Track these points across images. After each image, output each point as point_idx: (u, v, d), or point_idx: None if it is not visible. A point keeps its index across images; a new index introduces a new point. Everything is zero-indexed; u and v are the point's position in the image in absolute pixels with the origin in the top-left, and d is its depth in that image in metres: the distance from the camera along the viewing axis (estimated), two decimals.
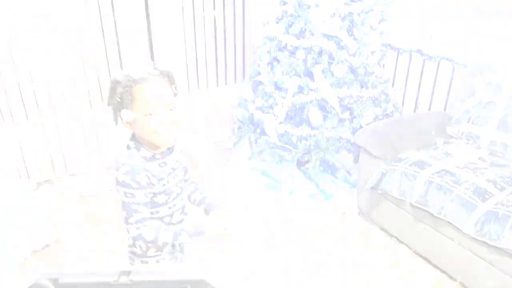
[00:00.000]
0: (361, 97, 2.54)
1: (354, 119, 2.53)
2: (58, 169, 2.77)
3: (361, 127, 2.49)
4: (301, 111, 2.58)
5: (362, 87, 2.56)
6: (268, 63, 2.67)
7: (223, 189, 2.58)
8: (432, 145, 2.25)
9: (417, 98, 2.94)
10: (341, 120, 2.57)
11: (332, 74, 2.49)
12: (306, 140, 2.57)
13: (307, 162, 2.72)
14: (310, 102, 2.51)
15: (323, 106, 2.55)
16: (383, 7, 2.47)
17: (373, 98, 2.58)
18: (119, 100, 1.03)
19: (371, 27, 2.49)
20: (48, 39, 2.44)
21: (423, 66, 3.14)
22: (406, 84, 3.00)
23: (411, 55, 3.06)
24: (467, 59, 2.52)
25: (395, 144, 2.18)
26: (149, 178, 1.08)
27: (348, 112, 2.54)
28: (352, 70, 2.51)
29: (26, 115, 2.57)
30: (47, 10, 2.39)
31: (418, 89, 2.94)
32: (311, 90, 2.52)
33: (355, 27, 2.47)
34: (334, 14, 2.46)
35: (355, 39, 2.47)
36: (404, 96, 3.36)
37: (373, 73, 2.57)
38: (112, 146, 2.68)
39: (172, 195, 1.15)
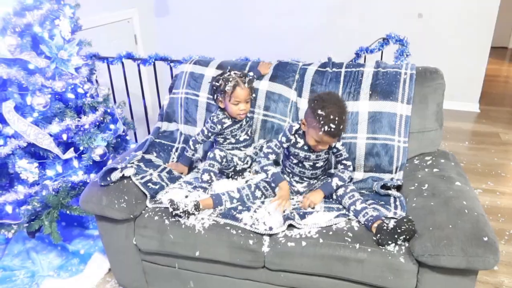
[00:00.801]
0: (82, 126, 2.02)
1: (84, 155, 2.00)
2: None
3: (95, 162, 1.99)
4: (4, 168, 1.83)
5: (79, 114, 2.04)
6: None
7: None
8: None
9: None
10: (67, 162, 1.99)
11: (33, 108, 1.86)
12: (28, 204, 1.86)
13: (40, 228, 2.01)
14: (13, 153, 1.81)
15: (35, 153, 1.89)
16: (69, 11, 1.98)
17: (97, 123, 2.11)
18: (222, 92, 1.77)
19: (63, 38, 1.96)
20: None
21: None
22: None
23: (122, 62, 2.73)
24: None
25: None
26: None
27: (72, 148, 1.98)
28: (58, 97, 1.95)
29: None
30: None
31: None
32: (9, 137, 1.81)
33: (42, 43, 1.89)
34: (5, 29, 1.80)
35: (46, 57, 1.89)
36: (130, 110, 3.04)
37: (86, 93, 2.08)
38: None
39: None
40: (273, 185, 1.71)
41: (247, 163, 1.93)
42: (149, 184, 1.74)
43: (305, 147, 1.66)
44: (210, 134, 1.88)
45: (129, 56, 2.71)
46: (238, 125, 1.87)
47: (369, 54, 3.07)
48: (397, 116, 1.81)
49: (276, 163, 1.87)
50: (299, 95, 1.99)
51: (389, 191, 1.66)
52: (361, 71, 1.91)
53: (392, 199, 1.63)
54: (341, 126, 1.50)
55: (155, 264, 1.73)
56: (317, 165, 1.71)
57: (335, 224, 1.53)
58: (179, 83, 2.18)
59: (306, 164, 1.70)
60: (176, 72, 2.28)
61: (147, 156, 1.90)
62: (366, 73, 1.90)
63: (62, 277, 2.02)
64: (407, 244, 1.40)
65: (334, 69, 1.96)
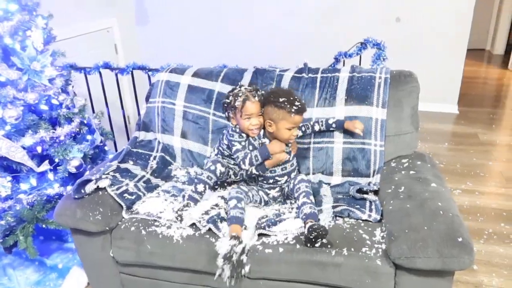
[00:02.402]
0: (57, 138, 1.99)
1: (59, 167, 1.96)
2: None
3: (71, 174, 1.95)
4: None
5: (54, 125, 2.00)
6: None
7: None
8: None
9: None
10: (42, 175, 1.95)
11: (4, 121, 1.82)
12: (1, 219, 1.82)
13: (16, 244, 1.96)
14: None
15: (8, 166, 1.85)
16: (41, 22, 1.95)
17: (73, 134, 2.07)
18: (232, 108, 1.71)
19: (36, 49, 1.93)
20: None
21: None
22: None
23: (100, 72, 2.70)
24: None
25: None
26: None
27: (47, 161, 1.94)
28: (31, 109, 1.91)
29: None
30: None
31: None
32: None
33: (14, 55, 1.86)
34: None
35: (18, 69, 1.86)
36: (110, 120, 3.01)
37: (61, 104, 2.05)
38: None
39: None
40: (266, 154, 1.66)
41: (238, 179, 1.89)
42: (125, 194, 1.71)
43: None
44: (241, 145, 1.74)
45: (107, 66, 2.69)
46: (251, 146, 1.76)
47: (348, 59, 3.11)
48: (373, 120, 1.82)
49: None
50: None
51: (365, 195, 1.66)
52: (336, 76, 1.93)
53: (368, 203, 1.64)
54: (303, 102, 1.63)
55: (134, 276, 1.70)
56: (285, 169, 1.73)
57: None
58: (155, 92, 2.17)
59: (278, 167, 1.73)
60: (154, 81, 2.26)
61: (123, 166, 1.87)
62: (341, 78, 1.91)
63: None
64: (383, 247, 1.41)
65: (310, 75, 1.97)
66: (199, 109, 2.06)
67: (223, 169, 1.75)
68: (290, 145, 1.76)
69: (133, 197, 1.72)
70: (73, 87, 2.33)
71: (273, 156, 1.69)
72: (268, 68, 2.10)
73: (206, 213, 1.65)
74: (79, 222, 1.58)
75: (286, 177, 1.76)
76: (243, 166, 1.73)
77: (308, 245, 1.43)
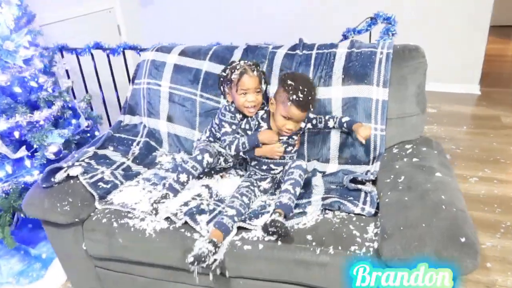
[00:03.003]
0: (37, 123, 1.88)
1: (37, 153, 1.86)
2: None
3: (49, 160, 1.84)
4: None
5: (33, 109, 1.89)
6: None
7: None
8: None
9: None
10: (19, 162, 1.85)
11: None
12: None
13: None
14: None
15: None
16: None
17: (55, 118, 1.96)
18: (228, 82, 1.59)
19: (8, 27, 1.81)
20: None
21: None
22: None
23: (92, 53, 2.57)
24: None
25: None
26: None
27: (24, 147, 1.84)
28: (5, 91, 1.80)
29: None
30: None
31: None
32: None
33: None
34: None
35: None
36: (104, 103, 2.89)
37: (41, 86, 1.93)
38: None
39: None
40: (255, 143, 1.54)
41: (228, 162, 1.74)
42: (100, 183, 1.59)
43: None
44: (232, 129, 1.60)
45: (98, 46, 2.55)
46: (248, 125, 1.62)
47: (357, 35, 2.87)
48: (373, 101, 1.63)
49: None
50: (268, 82, 1.81)
51: (360, 186, 1.48)
52: (333, 52, 1.73)
53: (362, 194, 1.46)
54: (309, 98, 1.44)
55: (109, 271, 1.59)
56: (283, 158, 1.57)
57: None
58: (140, 73, 2.02)
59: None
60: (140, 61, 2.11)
61: (101, 152, 1.75)
62: (338, 55, 1.71)
63: (21, 284, 1.90)
64: (376, 245, 1.24)
65: (304, 51, 1.78)
66: (185, 90, 1.90)
67: (211, 160, 1.59)
68: (295, 138, 1.62)
69: (109, 186, 1.60)
70: (58, 69, 2.21)
71: (264, 146, 1.54)
72: (260, 45, 1.91)
73: (186, 204, 1.52)
74: (46, 213, 1.47)
75: (281, 168, 1.61)
76: (228, 151, 1.59)
77: (265, 234, 1.33)
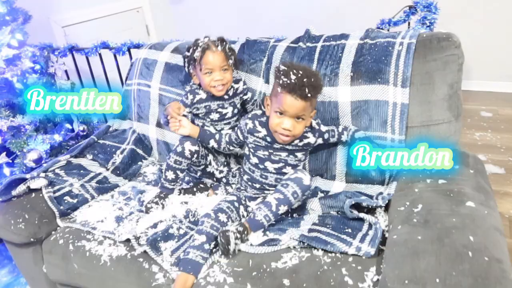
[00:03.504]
0: (22, 127, 1.75)
1: (17, 159, 1.72)
2: None
3: (29, 168, 1.70)
4: None
5: (15, 115, 1.76)
6: None
7: None
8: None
9: None
10: None
11: None
12: None
13: None
14: None
15: None
16: None
17: (40, 123, 1.83)
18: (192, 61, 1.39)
19: None
20: None
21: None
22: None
23: (100, 54, 2.44)
24: None
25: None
26: None
27: (4, 153, 1.72)
28: None
29: None
30: None
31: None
32: None
33: None
34: None
35: None
36: None
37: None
38: None
39: None
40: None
41: (221, 171, 1.51)
42: (66, 197, 1.40)
43: (268, 138, 1.25)
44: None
45: (105, 46, 2.42)
46: (218, 101, 1.44)
47: (393, 28, 2.49)
48: (389, 105, 1.28)
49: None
50: (267, 81, 1.53)
51: (362, 214, 1.15)
52: (341, 44, 1.40)
53: (365, 226, 1.13)
54: (304, 79, 1.12)
55: None
56: (283, 169, 1.27)
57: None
58: (132, 73, 1.83)
59: (269, 165, 1.27)
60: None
61: (75, 161, 1.57)
62: (348, 47, 1.38)
63: None
64: None
65: (308, 44, 1.47)
66: (175, 93, 1.67)
67: (193, 148, 1.36)
68: (299, 156, 1.30)
69: (75, 200, 1.41)
70: (55, 70, 2.09)
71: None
72: (260, 39, 1.63)
73: (154, 226, 1.28)
74: (0, 231, 1.31)
75: (278, 176, 1.31)
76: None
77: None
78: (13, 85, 1.76)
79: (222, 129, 1.47)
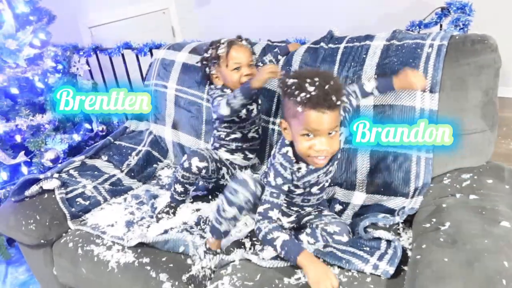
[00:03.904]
0: (42, 126, 1.76)
1: (35, 158, 1.73)
2: None
3: (46, 168, 1.70)
4: None
5: (36, 113, 1.77)
6: None
7: None
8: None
9: None
10: (16, 167, 1.73)
11: None
12: None
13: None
14: None
15: None
16: None
17: (59, 123, 1.83)
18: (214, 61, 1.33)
19: (15, 25, 1.71)
20: None
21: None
22: None
23: (122, 54, 2.44)
24: None
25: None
26: None
27: (23, 152, 1.72)
28: (7, 93, 1.70)
29: None
30: None
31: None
32: None
33: None
34: None
35: None
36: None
37: (52, 87, 1.81)
38: None
39: None
40: (291, 258, 0.98)
41: None
42: (78, 199, 1.39)
43: (311, 167, 1.06)
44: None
45: (127, 46, 2.42)
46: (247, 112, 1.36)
47: (423, 30, 2.36)
48: (416, 111, 1.19)
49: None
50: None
51: (377, 233, 1.04)
52: (366, 45, 1.32)
53: (384, 243, 1.04)
54: (326, 87, 0.91)
55: None
56: (325, 184, 1.16)
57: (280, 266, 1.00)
58: (150, 73, 1.81)
59: (314, 189, 1.12)
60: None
61: (90, 162, 1.55)
62: (373, 49, 1.30)
63: None
64: None
65: (330, 45, 1.40)
66: (191, 93, 1.64)
67: (201, 164, 1.28)
68: (335, 161, 1.11)
69: (87, 202, 1.39)
70: (77, 69, 2.09)
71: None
72: (283, 41, 1.57)
73: (165, 232, 1.24)
74: (11, 232, 1.31)
75: (314, 209, 1.21)
76: (220, 111, 1.26)
77: None
78: (34, 84, 1.77)
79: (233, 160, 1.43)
